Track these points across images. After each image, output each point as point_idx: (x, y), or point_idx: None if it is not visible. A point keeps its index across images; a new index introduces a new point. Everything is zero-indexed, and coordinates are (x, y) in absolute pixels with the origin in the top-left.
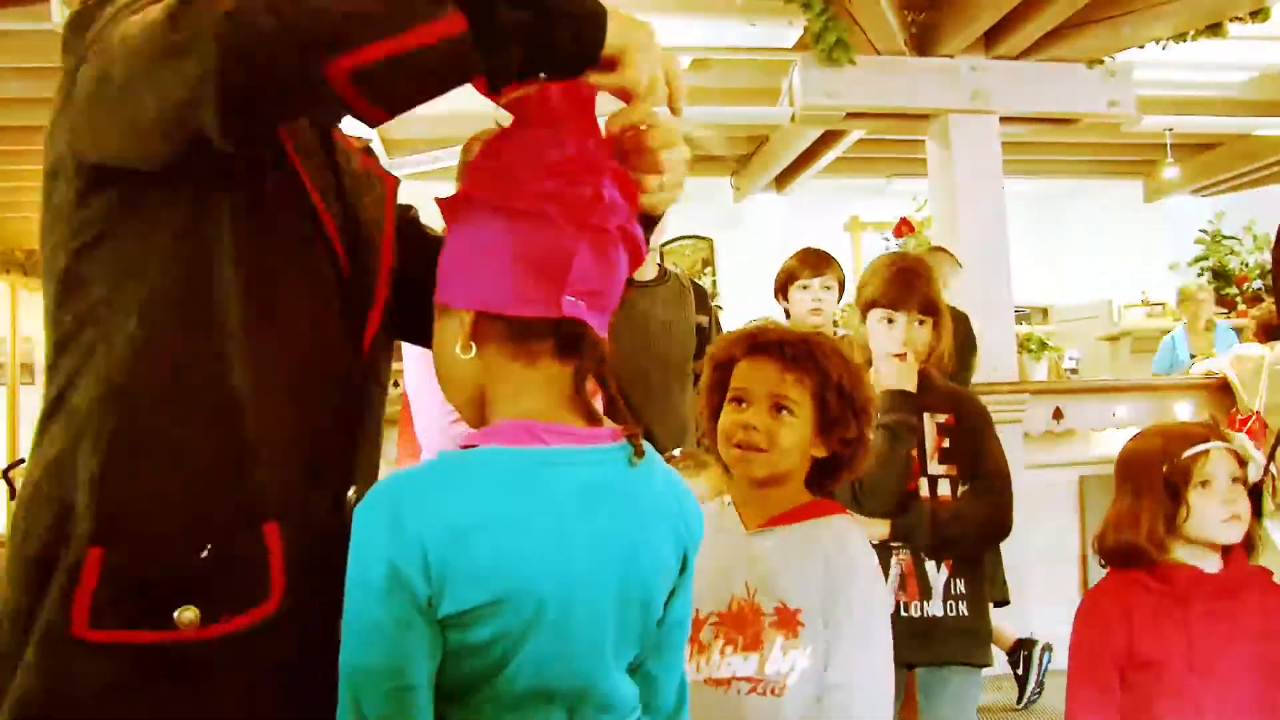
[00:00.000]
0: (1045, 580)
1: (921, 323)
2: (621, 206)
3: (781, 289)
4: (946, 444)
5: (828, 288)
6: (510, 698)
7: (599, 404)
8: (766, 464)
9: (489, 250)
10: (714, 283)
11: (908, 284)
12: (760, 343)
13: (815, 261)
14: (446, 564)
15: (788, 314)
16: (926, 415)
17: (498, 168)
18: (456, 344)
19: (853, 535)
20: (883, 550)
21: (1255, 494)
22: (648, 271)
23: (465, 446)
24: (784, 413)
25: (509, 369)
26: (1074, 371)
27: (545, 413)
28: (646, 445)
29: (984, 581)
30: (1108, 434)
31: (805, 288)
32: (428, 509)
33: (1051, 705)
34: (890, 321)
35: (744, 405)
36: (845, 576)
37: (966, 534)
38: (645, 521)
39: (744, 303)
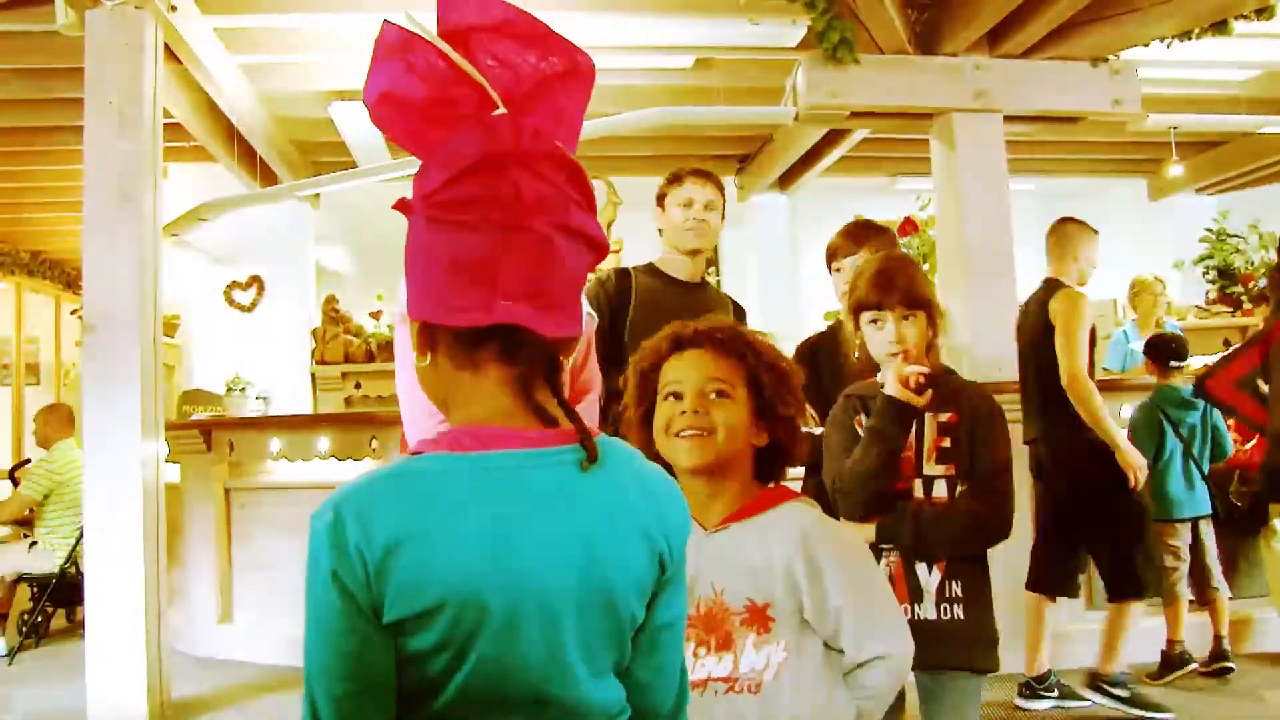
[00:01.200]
0: None
1: (909, 318)
2: (551, 197)
3: (828, 265)
4: (946, 443)
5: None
6: (464, 706)
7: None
8: (713, 446)
9: (425, 259)
10: (718, 283)
11: (887, 282)
12: (686, 337)
13: (855, 235)
14: (384, 574)
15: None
16: (927, 415)
17: (423, 170)
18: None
19: (812, 515)
20: (872, 552)
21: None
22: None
23: (414, 454)
24: (721, 397)
25: (458, 376)
26: None
27: (495, 417)
28: (617, 444)
29: (987, 583)
30: None
31: (839, 269)
32: (365, 521)
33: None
34: (876, 322)
35: (680, 398)
36: (821, 558)
37: (953, 535)
38: (603, 522)
39: (748, 301)
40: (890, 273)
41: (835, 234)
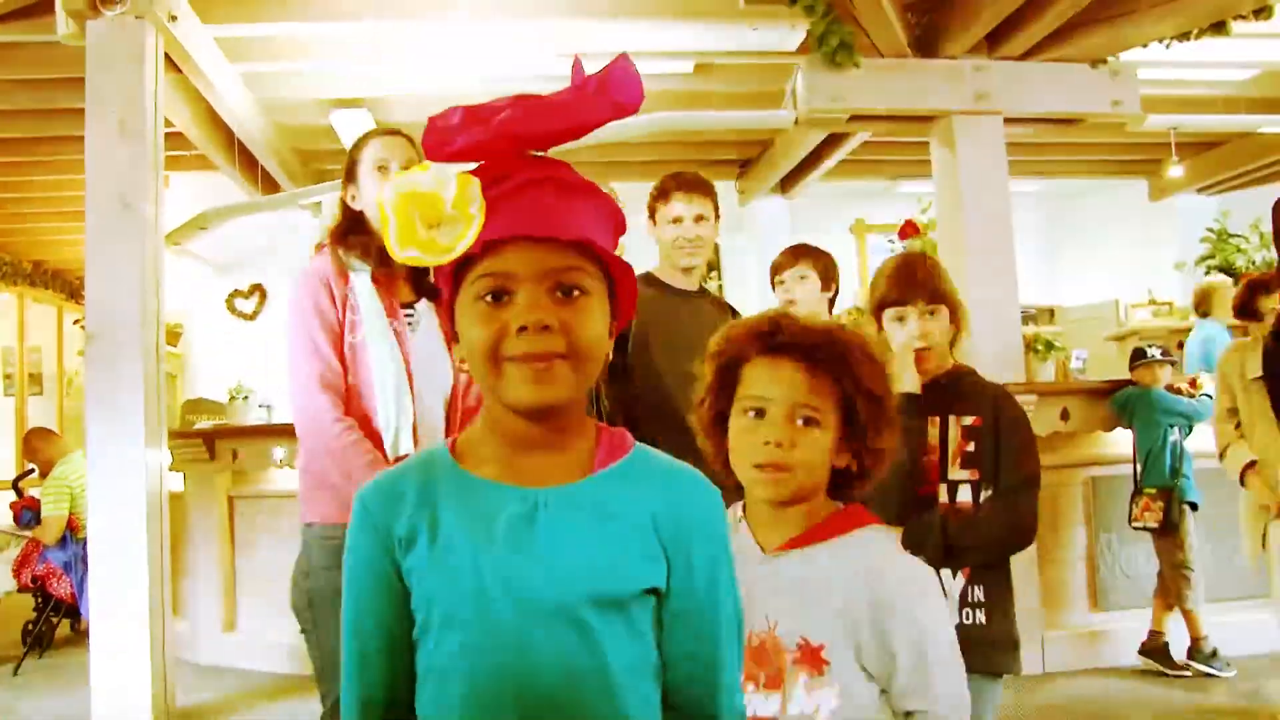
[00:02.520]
0: (1053, 580)
1: (933, 313)
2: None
3: (771, 282)
4: (971, 448)
5: (802, 277)
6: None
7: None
8: (792, 484)
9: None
10: (719, 287)
11: (910, 277)
12: (780, 342)
13: (791, 252)
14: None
15: None
16: (951, 418)
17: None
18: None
19: (887, 548)
20: None
21: None
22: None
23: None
24: (809, 425)
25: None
26: (1081, 372)
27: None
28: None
29: (1009, 587)
30: (1115, 435)
31: (781, 282)
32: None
33: (1053, 703)
34: (901, 319)
35: (761, 417)
36: (888, 597)
37: (979, 543)
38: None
39: (750, 306)
40: (912, 267)
41: (778, 254)
